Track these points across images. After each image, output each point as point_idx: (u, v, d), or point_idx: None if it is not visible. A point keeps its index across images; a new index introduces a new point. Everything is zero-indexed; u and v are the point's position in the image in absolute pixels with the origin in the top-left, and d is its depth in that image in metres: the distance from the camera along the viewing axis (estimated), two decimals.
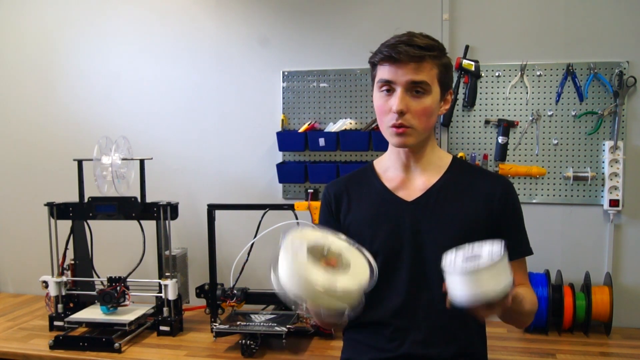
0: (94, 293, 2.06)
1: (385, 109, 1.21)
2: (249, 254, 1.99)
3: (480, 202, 1.24)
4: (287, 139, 2.27)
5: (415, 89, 1.18)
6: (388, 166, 1.33)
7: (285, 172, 2.28)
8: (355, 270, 1.01)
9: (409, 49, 1.15)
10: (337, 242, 1.07)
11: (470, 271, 0.97)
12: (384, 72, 1.20)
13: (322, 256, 1.02)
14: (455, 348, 1.23)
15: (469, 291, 0.97)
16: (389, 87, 1.20)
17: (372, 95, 1.29)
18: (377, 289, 1.26)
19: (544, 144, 2.12)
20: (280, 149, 2.30)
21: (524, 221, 1.31)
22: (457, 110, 2.17)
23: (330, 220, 1.36)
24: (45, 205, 2.12)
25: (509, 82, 2.13)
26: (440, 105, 1.25)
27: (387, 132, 1.23)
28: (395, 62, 1.17)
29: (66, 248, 2.13)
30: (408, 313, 1.24)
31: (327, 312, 0.98)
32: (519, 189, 2.12)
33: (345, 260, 1.03)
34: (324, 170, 2.22)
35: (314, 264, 0.97)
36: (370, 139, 2.19)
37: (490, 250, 1.01)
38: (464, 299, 0.98)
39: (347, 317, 1.01)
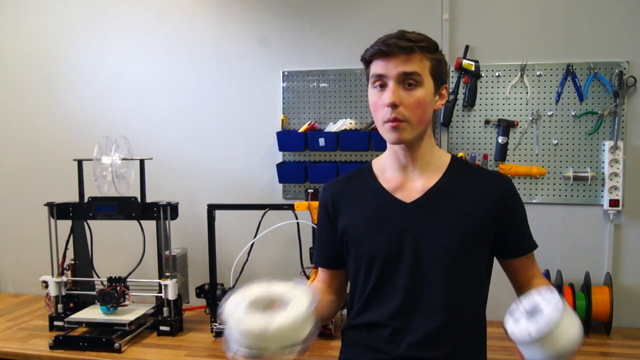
0: (94, 293, 2.06)
1: (378, 104, 1.20)
2: (249, 254, 1.99)
3: (481, 204, 1.24)
4: (287, 139, 2.27)
5: (407, 81, 1.18)
6: (386, 167, 1.31)
7: (285, 172, 2.28)
8: (294, 305, 1.02)
9: (399, 41, 1.17)
10: (279, 288, 1.08)
11: (543, 336, 0.95)
12: (376, 67, 1.20)
13: (266, 305, 1.04)
14: (453, 350, 1.23)
15: (548, 353, 0.96)
16: (381, 81, 1.20)
17: None
18: (376, 291, 1.26)
19: (544, 144, 2.12)
20: (280, 149, 2.30)
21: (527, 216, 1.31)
22: (457, 110, 2.17)
23: (326, 224, 1.36)
24: (45, 205, 2.12)
25: (509, 82, 2.13)
26: (436, 99, 1.24)
27: (383, 129, 1.22)
28: (385, 56, 1.18)
29: (66, 248, 2.13)
30: (406, 315, 1.23)
31: (282, 353, 0.99)
32: (519, 189, 2.11)
33: (285, 300, 1.04)
34: (324, 170, 2.22)
35: (251, 315, 0.99)
36: (370, 139, 2.19)
37: (549, 299, 1.00)
38: (538, 357, 0.97)
39: (302, 350, 1.02)
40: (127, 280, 2.05)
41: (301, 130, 2.25)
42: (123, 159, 2.09)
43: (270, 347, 0.97)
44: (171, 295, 2.02)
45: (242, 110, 2.38)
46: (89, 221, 2.19)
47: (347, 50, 2.25)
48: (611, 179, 2.05)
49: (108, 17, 2.47)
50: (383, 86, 1.20)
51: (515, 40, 2.13)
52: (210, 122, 2.41)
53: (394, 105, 1.17)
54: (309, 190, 1.94)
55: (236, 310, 1.00)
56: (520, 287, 1.33)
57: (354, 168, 1.40)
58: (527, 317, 1.00)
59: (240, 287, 1.07)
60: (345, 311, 1.65)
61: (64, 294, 2.11)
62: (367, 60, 1.23)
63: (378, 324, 1.26)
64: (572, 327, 0.97)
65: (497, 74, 2.14)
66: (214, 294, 2.02)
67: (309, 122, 2.27)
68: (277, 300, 1.04)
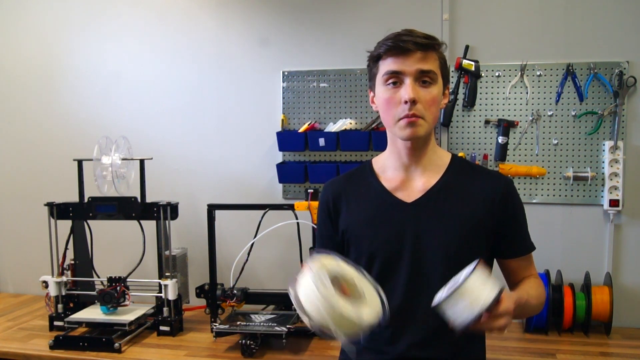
0: (94, 293, 2.06)
1: (393, 101, 1.19)
2: (249, 254, 1.99)
3: (481, 203, 1.24)
4: (287, 139, 2.27)
5: (423, 78, 1.17)
6: (387, 166, 1.31)
7: (285, 172, 2.28)
8: (371, 302, 1.05)
9: (417, 39, 1.16)
10: (350, 270, 1.09)
11: (453, 291, 1.00)
12: (389, 64, 1.18)
13: (337, 284, 1.04)
14: (453, 349, 1.23)
15: (463, 308, 0.99)
16: (396, 78, 1.18)
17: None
18: None
19: (544, 144, 2.12)
20: (280, 149, 2.30)
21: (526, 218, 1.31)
22: (457, 110, 2.17)
23: (327, 223, 1.36)
24: (45, 205, 2.12)
25: (509, 82, 2.13)
26: (441, 99, 1.25)
27: (397, 126, 1.20)
28: (402, 53, 1.17)
29: (66, 248, 2.13)
30: (406, 315, 1.23)
31: (346, 336, 1.00)
32: (519, 189, 2.11)
33: (359, 289, 1.06)
34: (324, 170, 2.22)
35: (340, 297, 1.00)
36: (370, 139, 2.19)
37: (466, 270, 1.04)
38: (463, 317, 1.00)
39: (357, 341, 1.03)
40: (127, 280, 2.05)
41: (301, 130, 2.25)
42: (123, 159, 2.09)
43: (347, 330, 0.98)
44: (171, 295, 2.02)
45: (242, 110, 2.38)
46: (89, 221, 2.19)
47: (347, 50, 2.26)
48: (611, 179, 2.05)
49: (108, 17, 2.47)
50: (396, 83, 1.19)
51: (515, 40, 2.13)
52: (210, 122, 2.41)
53: (413, 102, 1.16)
54: (309, 190, 1.94)
55: (325, 283, 0.98)
56: (514, 287, 1.34)
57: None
58: (448, 285, 1.06)
59: (314, 257, 1.06)
60: None
61: (64, 294, 2.11)
62: (378, 57, 1.22)
63: (379, 325, 1.25)
64: (482, 286, 1.00)
65: (497, 74, 2.14)
66: (214, 294, 2.02)
67: (309, 122, 2.27)
68: (348, 283, 1.05)
